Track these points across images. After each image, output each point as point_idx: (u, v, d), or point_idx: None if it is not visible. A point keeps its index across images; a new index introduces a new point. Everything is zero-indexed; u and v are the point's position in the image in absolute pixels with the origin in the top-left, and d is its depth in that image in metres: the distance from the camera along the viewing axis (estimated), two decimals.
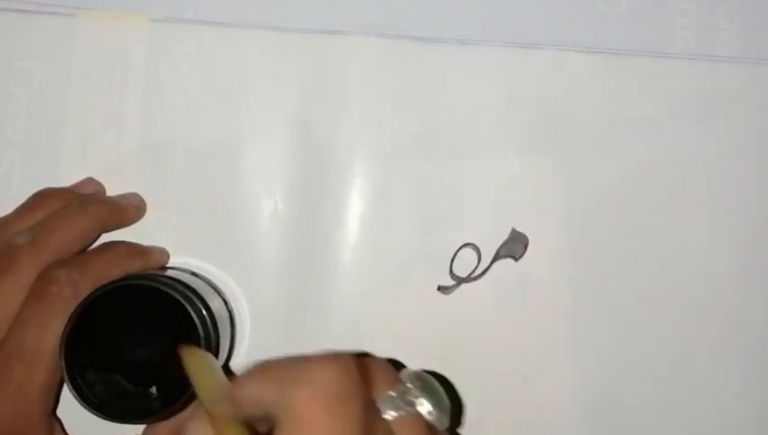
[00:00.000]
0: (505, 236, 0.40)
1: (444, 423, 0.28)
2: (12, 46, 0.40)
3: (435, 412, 0.27)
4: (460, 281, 0.40)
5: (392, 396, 0.27)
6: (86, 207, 0.36)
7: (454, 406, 0.31)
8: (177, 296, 0.33)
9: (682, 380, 0.40)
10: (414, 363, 0.38)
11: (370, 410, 0.25)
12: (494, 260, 0.40)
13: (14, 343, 0.33)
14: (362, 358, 0.27)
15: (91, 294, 0.33)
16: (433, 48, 0.41)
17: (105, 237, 0.38)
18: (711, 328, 0.41)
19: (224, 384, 0.28)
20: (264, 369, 0.26)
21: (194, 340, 0.33)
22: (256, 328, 0.40)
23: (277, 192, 0.40)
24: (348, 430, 0.24)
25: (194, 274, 0.39)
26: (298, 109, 0.40)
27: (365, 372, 0.26)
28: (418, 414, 0.27)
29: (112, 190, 0.40)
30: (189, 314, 0.33)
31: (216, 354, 0.34)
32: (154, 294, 0.33)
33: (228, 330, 0.37)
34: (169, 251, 0.39)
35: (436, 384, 0.28)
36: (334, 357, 0.25)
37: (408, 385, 0.27)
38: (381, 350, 0.40)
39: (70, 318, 0.32)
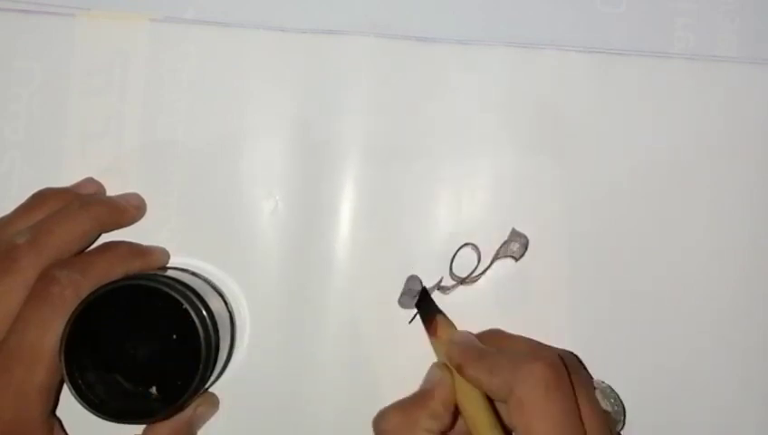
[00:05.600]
0: (505, 237, 0.40)
1: (619, 421, 0.37)
2: (12, 46, 0.40)
3: (618, 409, 0.37)
4: (460, 281, 0.40)
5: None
6: (86, 207, 0.36)
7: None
8: (177, 296, 0.33)
9: (682, 378, 0.40)
10: (414, 363, 0.38)
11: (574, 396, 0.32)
12: (494, 260, 0.40)
13: (14, 342, 0.33)
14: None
15: (92, 294, 0.33)
16: (433, 48, 0.41)
17: (105, 237, 0.38)
18: (711, 327, 0.41)
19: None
20: (486, 361, 0.33)
21: (194, 340, 0.33)
22: (256, 328, 0.40)
23: (277, 192, 0.40)
24: (564, 412, 0.31)
25: (194, 274, 0.39)
26: (298, 109, 0.40)
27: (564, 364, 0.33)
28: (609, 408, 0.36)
29: (112, 190, 0.40)
30: (189, 314, 0.33)
31: (216, 354, 0.34)
32: (154, 294, 0.33)
33: (228, 330, 0.37)
34: (169, 251, 0.39)
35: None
36: (545, 354, 0.33)
37: (603, 382, 0.37)
38: (381, 350, 0.40)
39: (70, 318, 0.32)
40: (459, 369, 0.34)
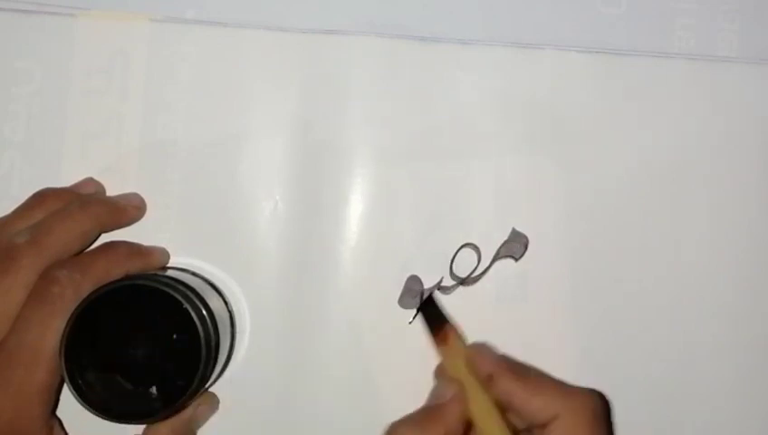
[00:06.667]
0: (505, 237, 0.40)
1: None
2: (12, 46, 0.40)
3: None
4: (460, 281, 0.40)
5: None
6: (86, 208, 0.36)
7: None
8: (178, 296, 0.33)
9: (682, 379, 0.40)
10: (414, 363, 0.38)
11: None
12: (494, 260, 0.40)
13: (14, 342, 0.33)
14: None
15: (92, 294, 0.33)
16: (433, 48, 0.41)
17: (105, 237, 0.38)
18: (711, 327, 0.41)
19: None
20: (529, 379, 0.34)
21: (194, 340, 0.33)
22: (256, 328, 0.40)
23: (277, 192, 0.40)
24: None
25: (194, 274, 0.39)
26: (298, 109, 0.40)
27: None
28: None
29: (112, 190, 0.40)
30: (189, 314, 0.33)
31: (216, 354, 0.34)
32: (154, 294, 0.33)
33: (228, 330, 0.37)
34: (169, 251, 0.39)
35: None
36: (592, 391, 0.34)
37: None
38: (381, 349, 0.40)
39: (70, 318, 0.32)
40: (489, 379, 0.34)
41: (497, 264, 0.40)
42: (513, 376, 0.34)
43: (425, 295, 0.39)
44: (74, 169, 0.40)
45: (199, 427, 0.38)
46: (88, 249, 0.37)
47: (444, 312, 0.38)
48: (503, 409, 0.34)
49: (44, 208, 0.36)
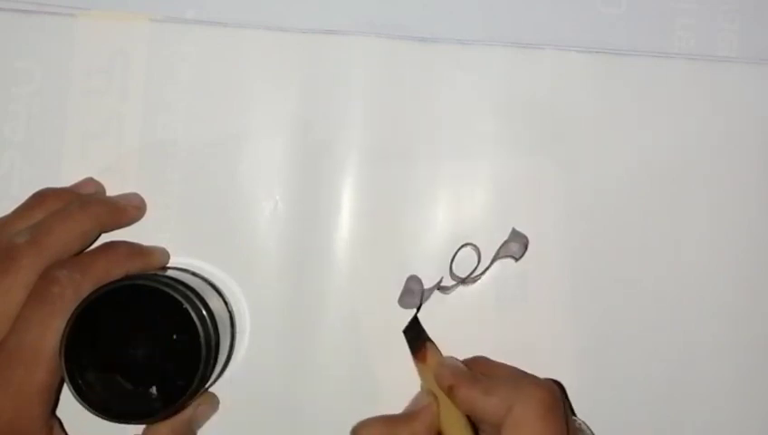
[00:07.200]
0: (505, 237, 0.40)
1: None
2: (12, 46, 0.40)
3: None
4: (460, 281, 0.40)
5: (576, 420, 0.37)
6: (86, 208, 0.36)
7: None
8: (178, 296, 0.33)
9: (682, 379, 0.40)
10: (414, 364, 0.38)
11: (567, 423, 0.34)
12: (494, 260, 0.40)
13: (14, 342, 0.33)
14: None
15: (92, 294, 0.33)
16: (433, 48, 0.41)
17: (105, 237, 0.38)
18: (711, 327, 0.41)
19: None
20: (480, 383, 0.35)
21: (194, 340, 0.33)
22: (256, 328, 0.40)
23: (277, 192, 0.40)
24: (557, 433, 0.33)
25: (194, 274, 0.39)
26: (298, 109, 0.40)
27: None
28: None
29: (112, 190, 0.40)
30: (189, 314, 0.33)
31: (216, 354, 0.34)
32: (154, 294, 0.33)
33: (228, 330, 0.37)
34: (169, 251, 0.39)
35: None
36: (543, 380, 0.35)
37: (581, 421, 0.38)
38: (381, 350, 0.40)
39: (70, 318, 0.32)
40: (450, 390, 0.35)
41: (497, 264, 0.40)
42: (469, 384, 0.35)
43: (425, 295, 0.39)
44: (74, 169, 0.40)
45: (199, 427, 0.38)
46: (88, 249, 0.37)
47: (423, 331, 0.38)
48: (475, 421, 0.35)
49: (44, 208, 0.36)
